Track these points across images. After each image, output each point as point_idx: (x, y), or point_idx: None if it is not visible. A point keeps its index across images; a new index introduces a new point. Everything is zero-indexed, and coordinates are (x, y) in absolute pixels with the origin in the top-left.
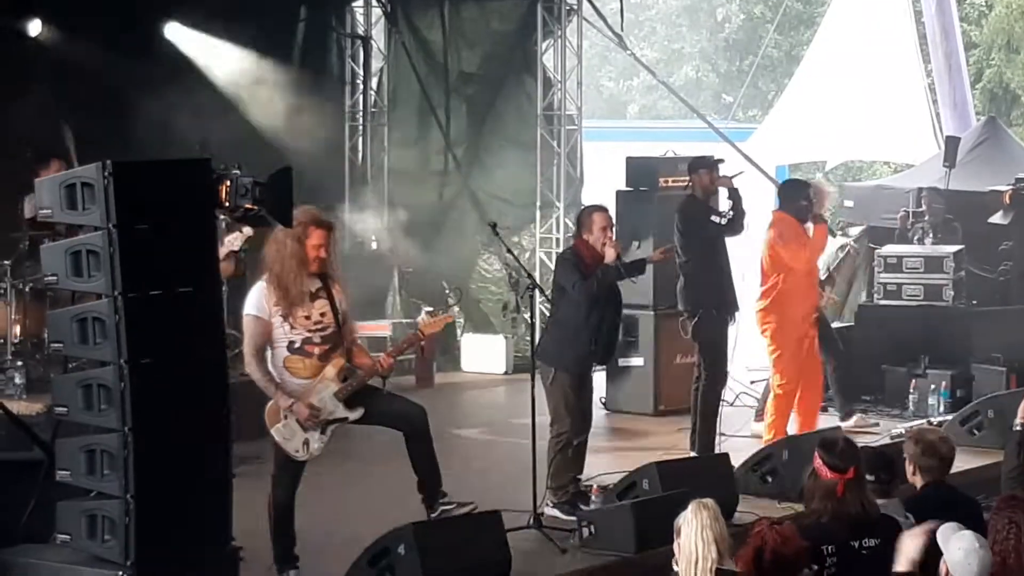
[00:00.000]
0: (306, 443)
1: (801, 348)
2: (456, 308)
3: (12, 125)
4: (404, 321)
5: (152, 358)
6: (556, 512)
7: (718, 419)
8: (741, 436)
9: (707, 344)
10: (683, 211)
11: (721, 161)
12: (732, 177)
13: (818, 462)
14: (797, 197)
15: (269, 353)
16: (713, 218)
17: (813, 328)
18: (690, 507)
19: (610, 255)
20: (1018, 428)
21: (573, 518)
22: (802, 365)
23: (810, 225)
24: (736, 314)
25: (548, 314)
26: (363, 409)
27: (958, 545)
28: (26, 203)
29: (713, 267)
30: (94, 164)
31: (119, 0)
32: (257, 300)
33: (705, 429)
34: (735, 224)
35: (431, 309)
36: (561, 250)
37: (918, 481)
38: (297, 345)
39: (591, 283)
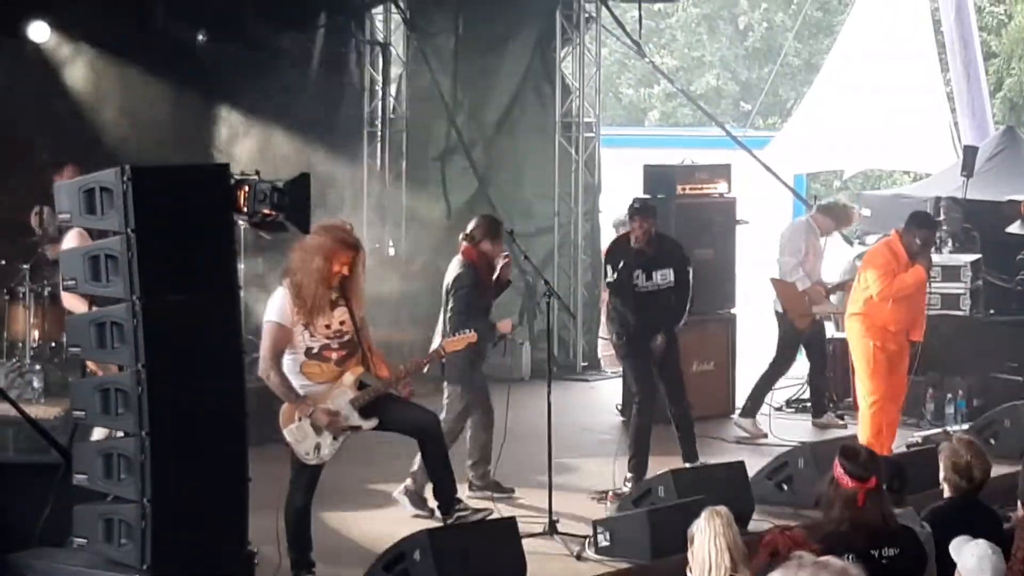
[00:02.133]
0: (317, 447)
1: (891, 365)
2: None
3: (26, 129)
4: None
5: (170, 363)
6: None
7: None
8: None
9: (628, 367)
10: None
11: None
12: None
13: (839, 471)
14: (915, 230)
15: (286, 358)
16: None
17: (907, 348)
18: (703, 515)
19: (506, 327)
20: None
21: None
22: (891, 382)
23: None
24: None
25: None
26: (377, 419)
27: (971, 552)
28: (46, 215)
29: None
30: (113, 169)
31: (132, 5)
32: (280, 307)
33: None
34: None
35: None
36: (460, 263)
37: (946, 491)
38: (315, 351)
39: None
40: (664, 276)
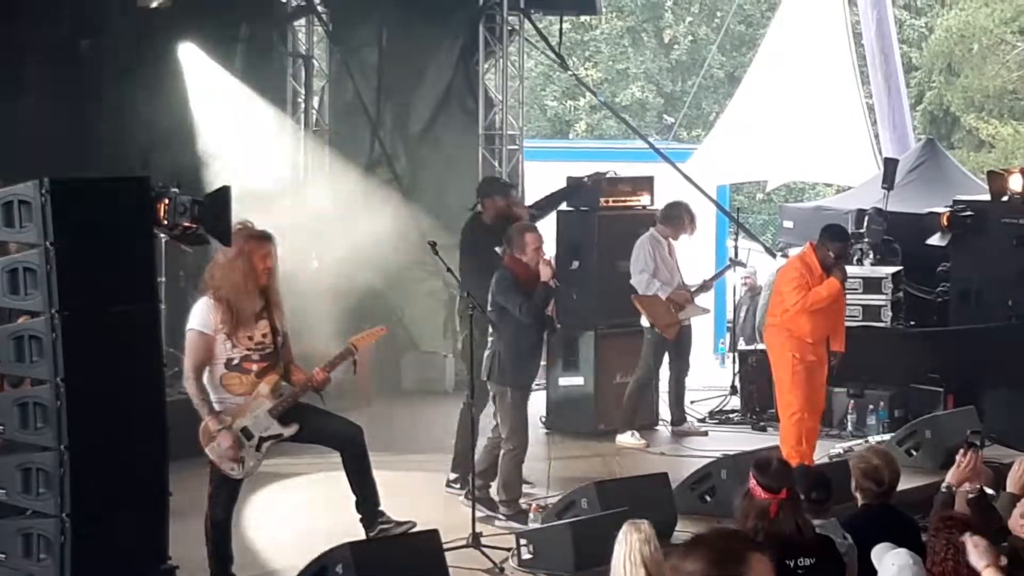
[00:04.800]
0: (241, 461)
1: (810, 375)
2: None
3: None
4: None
5: (89, 376)
6: (513, 523)
7: None
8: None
9: None
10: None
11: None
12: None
13: (752, 482)
14: (828, 243)
15: (207, 369)
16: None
17: (825, 359)
18: (622, 529)
19: (546, 274)
20: (944, 491)
21: (527, 527)
22: (810, 393)
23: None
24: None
25: (492, 334)
26: (298, 425)
27: (892, 561)
28: None
29: None
30: (31, 181)
31: (69, 12)
32: (203, 315)
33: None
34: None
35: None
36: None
37: (859, 499)
38: (236, 362)
39: (535, 303)
40: None
